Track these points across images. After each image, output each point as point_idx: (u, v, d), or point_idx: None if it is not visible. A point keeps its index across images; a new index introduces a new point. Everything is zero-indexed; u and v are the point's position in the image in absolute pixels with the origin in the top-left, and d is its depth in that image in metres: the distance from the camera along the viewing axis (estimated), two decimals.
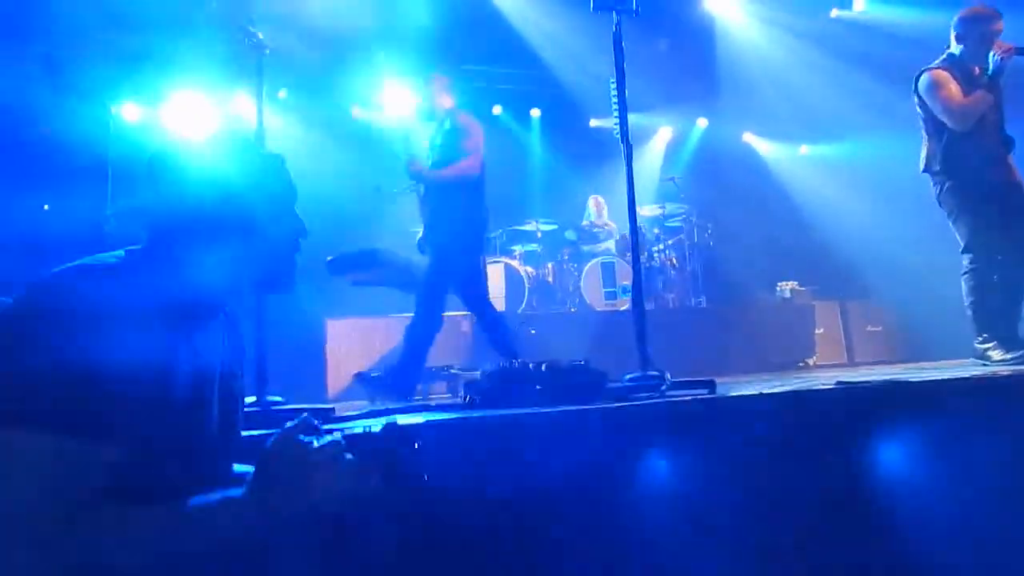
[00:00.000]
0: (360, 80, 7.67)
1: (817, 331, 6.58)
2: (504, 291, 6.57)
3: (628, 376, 2.86)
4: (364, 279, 5.06)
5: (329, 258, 5.08)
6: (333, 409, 2.50)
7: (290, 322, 4.17)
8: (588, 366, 2.63)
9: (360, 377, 4.21)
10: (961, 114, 3.60)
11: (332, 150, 7.11)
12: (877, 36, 7.68)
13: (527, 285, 6.59)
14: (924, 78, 3.74)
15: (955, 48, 3.78)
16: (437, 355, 5.26)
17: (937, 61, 3.82)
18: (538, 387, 2.48)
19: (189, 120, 6.76)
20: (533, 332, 4.55)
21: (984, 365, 3.62)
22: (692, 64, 8.41)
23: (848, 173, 8.22)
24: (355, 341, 5.45)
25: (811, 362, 6.39)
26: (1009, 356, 3.51)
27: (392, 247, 5.30)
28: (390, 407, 2.65)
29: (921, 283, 6.48)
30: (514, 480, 1.84)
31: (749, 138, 9.55)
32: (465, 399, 2.61)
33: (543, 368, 2.60)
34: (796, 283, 6.94)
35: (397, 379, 3.92)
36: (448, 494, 1.76)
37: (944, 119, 3.65)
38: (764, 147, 9.55)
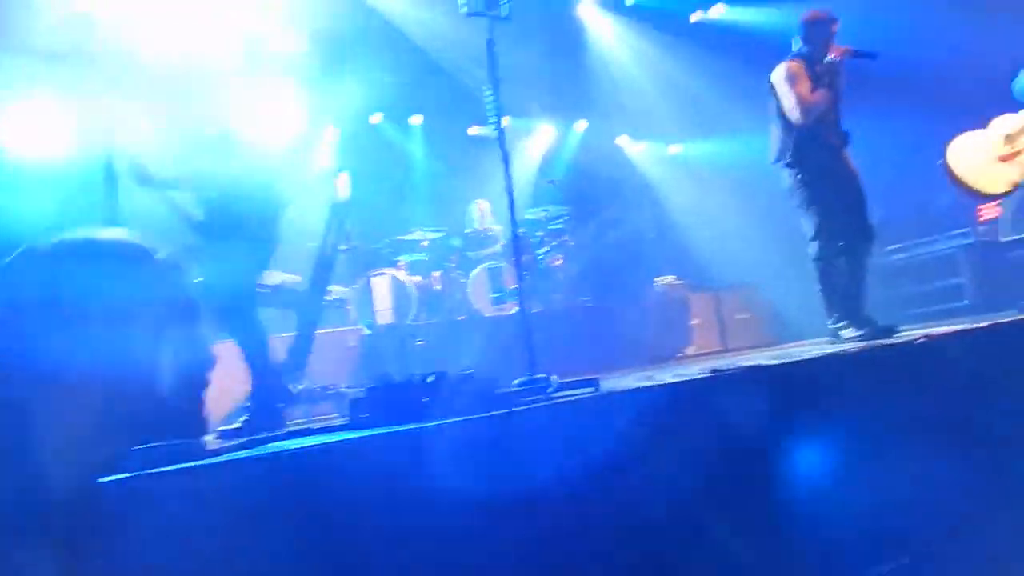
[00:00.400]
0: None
1: (693, 321, 6.93)
2: (391, 303, 6.45)
3: (517, 381, 2.88)
4: None
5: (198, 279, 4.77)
6: (203, 442, 2.33)
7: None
8: (475, 375, 2.62)
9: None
10: (806, 109, 3.90)
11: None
12: (735, 38, 8.22)
13: (414, 295, 6.50)
14: (780, 68, 4.02)
15: (799, 46, 4.09)
16: (322, 374, 5.09)
17: (790, 56, 4.11)
18: (425, 400, 2.44)
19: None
20: (420, 343, 4.49)
21: (836, 343, 3.95)
22: (566, 69, 8.64)
23: (715, 170, 8.75)
24: (233, 365, 5.14)
25: (689, 351, 6.72)
26: (858, 333, 3.85)
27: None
28: (269, 435, 2.51)
29: (782, 270, 7.00)
30: (399, 496, 1.79)
31: (623, 141, 9.92)
32: (351, 417, 2.52)
33: (430, 380, 2.56)
34: (673, 277, 7.29)
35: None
36: (335, 519, 1.69)
37: (790, 111, 3.94)
38: (637, 148, 9.96)
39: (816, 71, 4.00)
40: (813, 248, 4.06)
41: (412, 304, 6.46)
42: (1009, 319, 3.75)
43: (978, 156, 4.64)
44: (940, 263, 6.40)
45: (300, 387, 4.42)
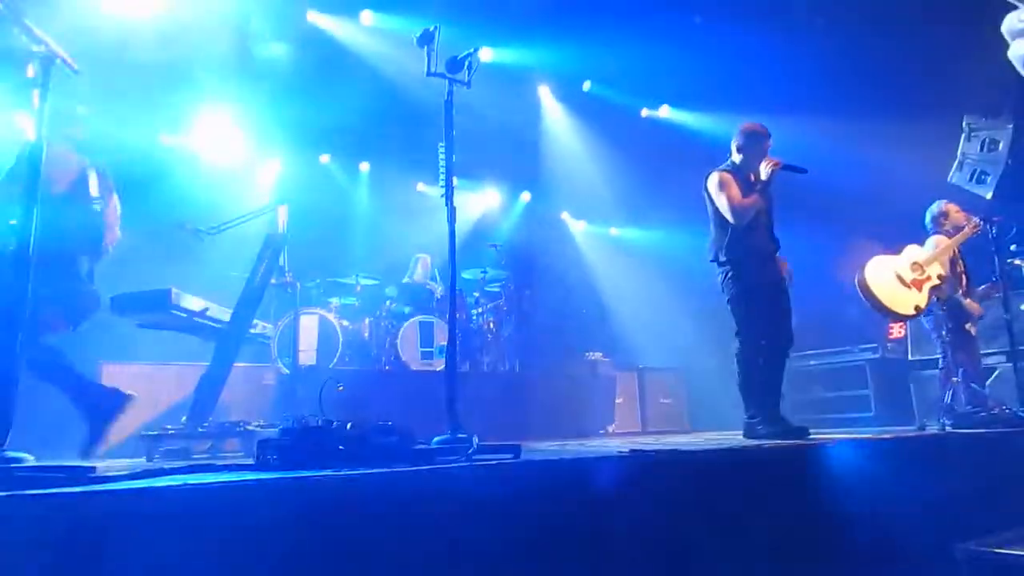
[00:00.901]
0: (173, 107, 7.13)
1: (617, 400, 7.01)
2: (316, 344, 6.27)
3: (437, 438, 2.82)
4: (154, 321, 4.55)
5: (113, 295, 4.53)
6: (93, 468, 2.16)
7: (55, 364, 3.61)
8: (395, 426, 2.55)
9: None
10: (739, 212, 4.15)
11: (129, 178, 6.44)
12: (677, 137, 8.74)
13: (341, 339, 6.35)
14: (713, 177, 4.29)
15: (736, 157, 4.38)
16: (234, 409, 4.85)
17: (723, 165, 4.39)
18: (340, 447, 2.35)
19: None
20: (341, 388, 4.35)
21: (750, 438, 4.06)
22: (519, 141, 8.90)
23: (653, 257, 9.07)
24: (135, 391, 4.84)
25: (611, 429, 6.77)
26: (771, 431, 3.97)
27: (194, 290, 4.86)
28: (167, 467, 2.35)
29: (707, 360, 7.23)
30: (306, 546, 1.70)
31: (566, 217, 10.21)
32: (258, 458, 2.39)
33: (347, 427, 2.47)
34: (601, 354, 7.40)
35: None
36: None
37: (726, 214, 4.18)
38: (579, 226, 10.26)
39: (748, 179, 4.27)
40: (737, 344, 4.22)
41: (338, 348, 6.30)
42: (911, 434, 3.97)
43: (891, 278, 5.00)
44: (850, 373, 6.75)
45: (207, 421, 4.19)
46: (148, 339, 5.00)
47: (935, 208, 5.36)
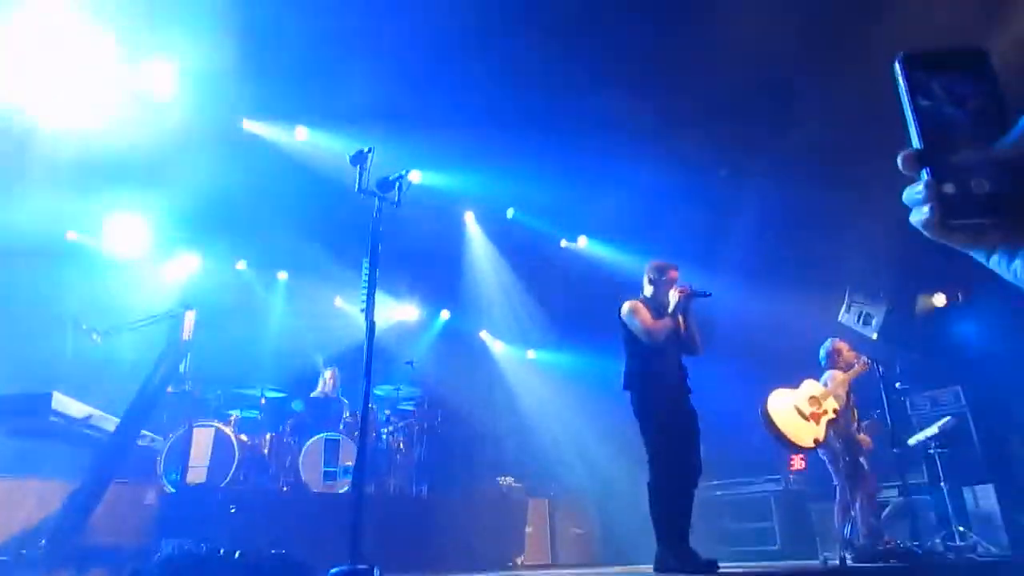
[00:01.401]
0: (84, 203, 6.89)
1: (527, 529, 6.77)
2: (209, 459, 5.81)
3: (334, 570, 2.61)
4: (28, 428, 4.12)
5: None
6: None
7: None
8: (288, 556, 2.35)
9: None
10: (652, 333, 4.31)
11: (28, 264, 6.06)
12: (593, 267, 9.14)
13: (237, 455, 5.92)
14: (625, 306, 4.49)
15: (647, 290, 4.61)
16: (105, 531, 4.35)
17: (637, 297, 4.60)
18: None
19: None
20: (233, 510, 4.00)
21: (657, 573, 3.97)
22: (442, 260, 9.06)
23: (569, 380, 9.15)
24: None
25: (519, 561, 6.47)
26: (680, 566, 3.91)
27: (79, 395, 4.48)
28: None
29: (620, 489, 7.17)
30: None
31: (485, 336, 10.26)
32: None
33: (235, 555, 2.26)
34: (512, 479, 7.21)
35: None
36: None
37: (642, 337, 4.33)
38: (497, 346, 10.31)
39: (659, 309, 4.49)
40: (650, 473, 4.22)
41: (233, 464, 5.86)
42: (813, 570, 3.99)
43: (790, 411, 5.23)
44: (755, 504, 6.84)
45: (71, 544, 3.72)
46: (7, 448, 4.49)
47: (828, 345, 5.74)
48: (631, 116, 6.72)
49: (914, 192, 0.62)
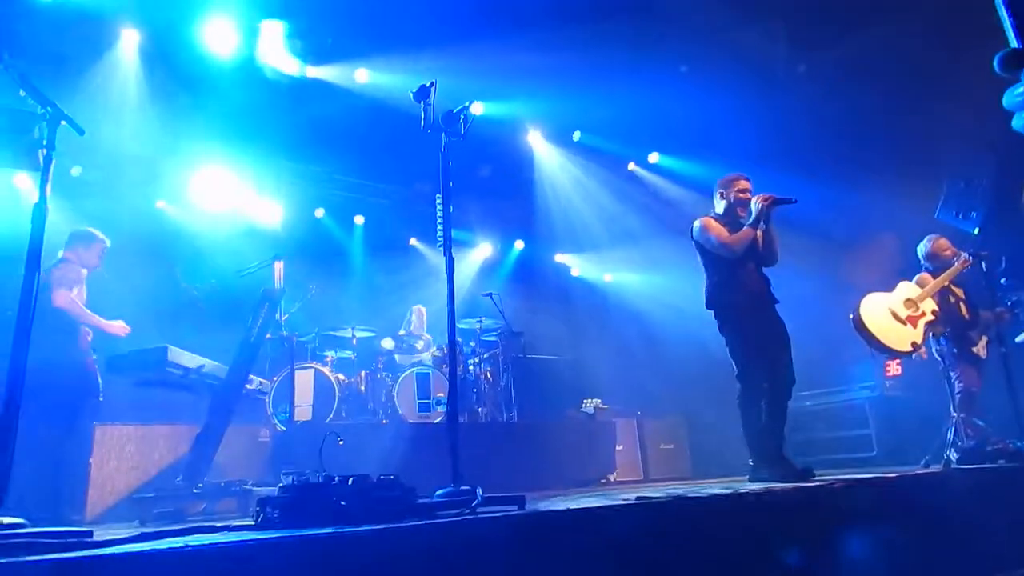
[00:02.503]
0: (169, 170, 7.23)
1: (618, 448, 6.92)
2: (312, 398, 6.20)
3: (439, 492, 2.77)
4: (150, 379, 4.50)
5: (109, 355, 4.50)
6: (90, 533, 2.10)
7: (47, 422, 3.55)
8: (397, 481, 2.50)
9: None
10: (728, 245, 4.20)
11: (128, 238, 6.48)
12: (665, 186, 8.90)
13: (337, 393, 6.29)
14: (696, 224, 4.38)
15: (719, 206, 4.46)
16: (228, 469, 4.76)
17: (707, 213, 4.47)
18: (343, 503, 2.30)
19: None
20: (341, 442, 4.28)
21: (756, 482, 4.00)
22: (512, 190, 9.03)
23: (646, 299, 9.10)
24: (129, 452, 4.76)
25: (612, 478, 6.66)
26: (774, 474, 3.92)
27: (190, 347, 4.83)
28: (163, 530, 2.29)
29: (706, 405, 7.17)
30: None
31: (561, 258, 10.26)
32: (257, 517, 2.33)
33: (348, 482, 2.42)
34: (599, 401, 7.33)
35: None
36: None
37: (719, 251, 4.22)
38: (575, 269, 10.32)
39: (733, 223, 4.33)
40: (739, 388, 4.20)
41: (334, 402, 6.24)
42: (915, 472, 3.92)
43: (886, 315, 5.02)
44: (850, 413, 6.70)
45: (202, 481, 4.10)
46: (139, 399, 4.93)
47: (924, 246, 5.43)
48: (694, 15, 6.34)
49: (1015, 93, 0.59)
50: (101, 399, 4.55)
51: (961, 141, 6.22)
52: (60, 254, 4.51)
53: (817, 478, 3.78)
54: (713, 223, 4.32)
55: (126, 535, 2.05)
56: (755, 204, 4.24)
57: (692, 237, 4.42)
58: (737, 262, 4.24)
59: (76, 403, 4.37)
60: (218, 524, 2.43)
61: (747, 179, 4.46)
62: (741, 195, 4.37)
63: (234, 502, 4.31)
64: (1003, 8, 0.59)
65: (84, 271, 4.56)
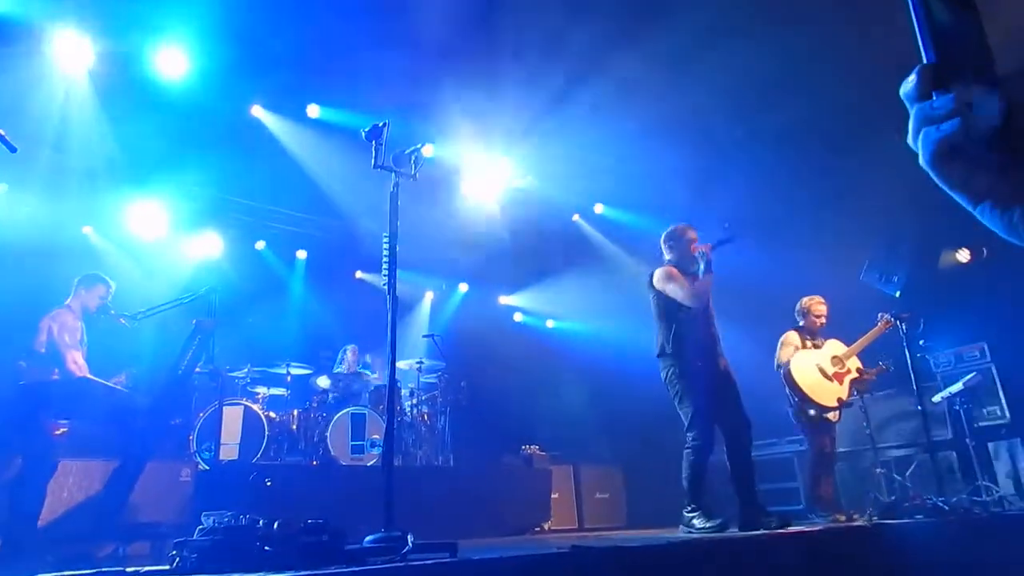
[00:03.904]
0: (100, 192, 6.97)
1: (553, 496, 6.87)
2: (240, 436, 5.95)
3: (369, 537, 2.68)
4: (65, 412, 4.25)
5: (23, 383, 4.24)
6: None
7: None
8: (325, 525, 2.42)
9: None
10: (696, 295, 4.27)
11: (55, 262, 6.17)
12: (608, 236, 9.13)
13: (267, 432, 6.06)
14: (659, 272, 4.43)
15: (668, 256, 4.57)
16: (145, 509, 4.49)
17: (664, 263, 4.55)
18: (267, 547, 2.20)
19: None
20: (269, 483, 4.11)
21: (689, 532, 4.03)
22: (459, 233, 9.03)
23: (587, 347, 9.18)
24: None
25: (547, 526, 6.58)
26: (709, 524, 3.96)
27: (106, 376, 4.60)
28: (69, 574, 2.13)
29: (643, 454, 7.22)
30: None
31: (504, 300, 10.27)
32: (173, 562, 2.20)
33: (274, 526, 2.32)
34: (537, 447, 7.29)
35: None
36: None
37: (684, 300, 4.29)
38: (517, 315, 10.34)
39: (685, 272, 4.44)
40: (688, 437, 4.23)
41: (263, 441, 6.00)
42: (842, 525, 4.02)
43: (813, 371, 5.22)
44: (778, 466, 6.87)
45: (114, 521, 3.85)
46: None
47: (800, 303, 5.63)
48: (645, 86, 6.63)
49: (932, 106, 0.57)
50: None
51: (885, 204, 6.62)
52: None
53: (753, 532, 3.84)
54: (677, 273, 4.38)
55: None
56: (701, 255, 4.34)
57: (651, 285, 4.47)
58: (692, 313, 4.31)
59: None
60: (128, 569, 2.28)
61: (694, 229, 4.58)
62: (689, 244, 4.47)
63: (148, 546, 4.05)
64: (917, 10, 0.57)
65: (72, 317, 4.56)
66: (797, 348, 5.33)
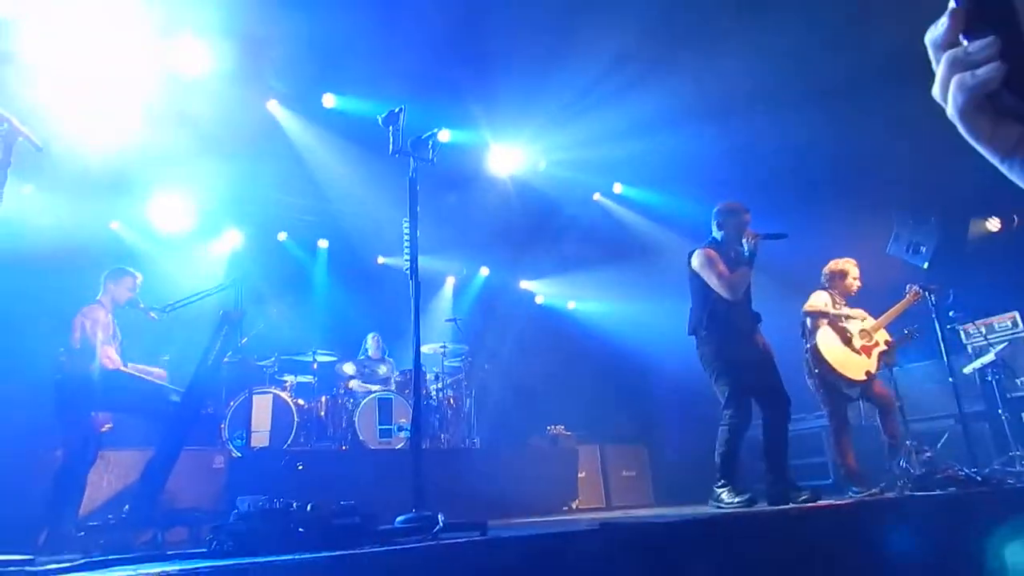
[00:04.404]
0: (129, 190, 7.07)
1: (580, 475, 6.90)
2: (270, 424, 6.06)
3: (400, 518, 2.72)
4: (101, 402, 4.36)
5: (58, 376, 4.34)
6: (32, 560, 2.00)
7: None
8: (356, 507, 2.46)
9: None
10: (731, 285, 4.22)
11: (82, 260, 6.28)
12: (629, 215, 9.05)
13: (296, 419, 6.15)
14: (698, 255, 4.36)
15: (716, 233, 4.51)
16: (181, 496, 4.60)
17: (706, 242, 4.48)
18: (301, 529, 2.24)
19: None
20: (301, 467, 4.19)
21: (718, 507, 4.03)
22: (478, 217, 9.04)
23: (610, 326, 9.17)
24: None
25: (574, 505, 6.62)
26: (737, 500, 3.96)
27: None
28: (111, 558, 2.20)
29: (668, 432, 7.22)
30: None
31: (527, 285, 10.28)
32: (211, 545, 2.26)
33: (307, 508, 2.37)
34: (563, 427, 7.32)
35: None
36: None
37: (718, 290, 4.25)
38: (539, 296, 10.35)
39: (730, 255, 4.38)
40: (725, 414, 4.22)
41: (292, 428, 6.10)
42: (869, 498, 4.00)
43: (841, 345, 5.16)
44: (807, 441, 6.81)
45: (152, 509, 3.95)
46: None
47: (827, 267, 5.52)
48: (657, 54, 6.52)
49: (967, 51, 0.55)
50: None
51: (911, 177, 6.48)
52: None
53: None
54: (717, 258, 4.29)
55: (70, 563, 1.96)
56: (747, 243, 4.25)
57: (689, 265, 4.42)
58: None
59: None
60: (169, 552, 2.35)
61: (748, 211, 4.46)
62: (742, 227, 4.36)
63: (185, 531, 4.16)
64: None
65: (104, 312, 4.64)
66: (827, 305, 5.22)
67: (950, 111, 0.57)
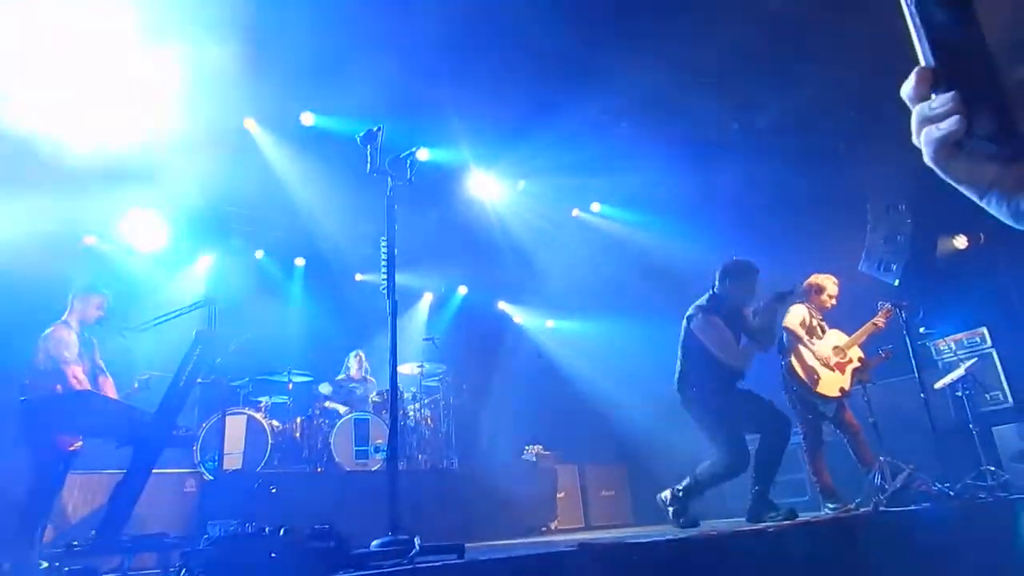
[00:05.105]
0: (101, 207, 6.95)
1: (559, 495, 6.86)
2: (243, 446, 5.94)
3: (376, 541, 2.68)
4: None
5: (24, 398, 4.23)
6: None
7: None
8: (331, 530, 2.41)
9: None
10: (741, 357, 4.30)
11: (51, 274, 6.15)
12: (607, 234, 9.10)
13: (270, 440, 6.05)
14: (701, 319, 4.36)
15: (720, 288, 4.53)
16: (150, 520, 4.49)
17: (704, 300, 4.49)
18: (274, 555, 2.19)
19: None
20: (274, 490, 4.11)
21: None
22: (456, 236, 9.04)
23: (588, 346, 9.17)
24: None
25: (553, 526, 6.58)
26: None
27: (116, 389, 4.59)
28: None
29: (650, 450, 7.21)
30: None
31: (504, 306, 10.28)
32: (180, 572, 2.20)
33: (280, 532, 2.32)
34: (541, 447, 7.28)
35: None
36: None
37: (723, 359, 4.28)
38: (518, 316, 10.34)
39: (731, 310, 4.41)
40: (724, 460, 4.28)
41: (267, 450, 5.99)
42: (848, 514, 4.03)
43: (815, 362, 5.21)
44: (785, 458, 6.83)
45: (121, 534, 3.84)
46: None
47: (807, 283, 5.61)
48: (641, 83, 6.62)
49: (931, 107, 0.60)
50: None
51: (882, 195, 6.61)
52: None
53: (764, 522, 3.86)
54: (722, 327, 4.29)
55: None
56: (759, 306, 4.33)
57: (687, 323, 4.42)
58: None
59: None
60: None
61: (759, 271, 4.47)
62: (750, 288, 4.42)
63: (154, 557, 4.05)
64: (913, 16, 0.58)
65: (69, 332, 4.54)
66: (804, 322, 5.27)
67: (925, 158, 0.62)
